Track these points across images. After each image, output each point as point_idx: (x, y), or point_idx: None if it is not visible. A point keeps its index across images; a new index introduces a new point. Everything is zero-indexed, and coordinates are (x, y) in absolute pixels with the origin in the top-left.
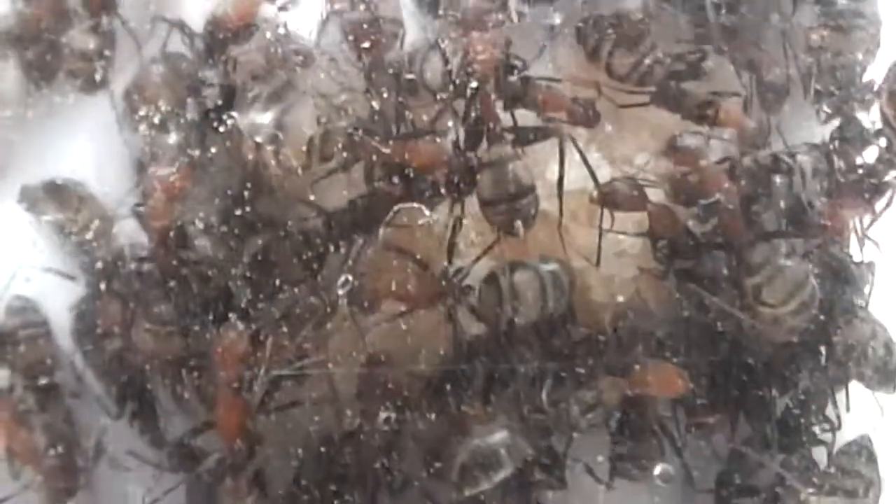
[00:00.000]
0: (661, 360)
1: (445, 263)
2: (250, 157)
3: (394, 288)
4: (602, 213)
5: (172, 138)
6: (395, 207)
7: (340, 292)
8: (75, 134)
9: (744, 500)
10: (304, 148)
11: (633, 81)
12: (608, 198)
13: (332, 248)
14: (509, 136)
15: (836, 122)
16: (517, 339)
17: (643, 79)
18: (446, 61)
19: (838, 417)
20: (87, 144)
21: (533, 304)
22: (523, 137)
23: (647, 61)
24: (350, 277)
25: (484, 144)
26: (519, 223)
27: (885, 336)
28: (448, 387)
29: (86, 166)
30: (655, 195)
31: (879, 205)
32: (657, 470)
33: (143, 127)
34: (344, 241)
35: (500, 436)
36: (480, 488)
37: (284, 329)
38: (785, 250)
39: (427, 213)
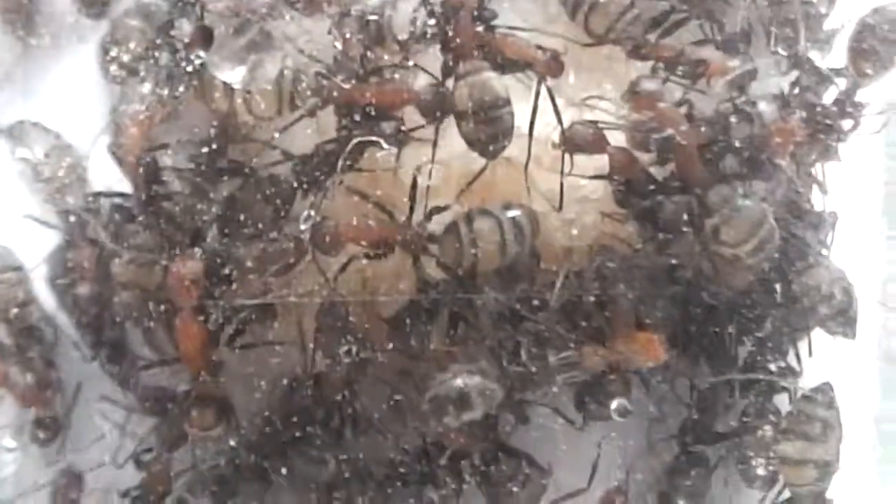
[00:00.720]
0: (639, 328)
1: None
2: (218, 97)
3: (356, 232)
4: (563, 157)
5: (144, 81)
6: (354, 140)
7: (303, 227)
8: (50, 77)
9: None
10: (272, 88)
11: (611, 40)
12: (569, 140)
13: (299, 192)
14: None
15: (794, 73)
16: (481, 284)
17: (620, 37)
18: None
19: (799, 363)
20: (62, 88)
21: (493, 251)
22: (497, 67)
23: (627, 18)
24: (312, 213)
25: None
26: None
27: (844, 282)
28: (410, 323)
29: (60, 110)
30: (616, 140)
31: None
32: (613, 405)
33: (114, 68)
34: (311, 185)
35: (475, 380)
36: (447, 424)
37: (251, 265)
38: (743, 191)
39: (386, 146)
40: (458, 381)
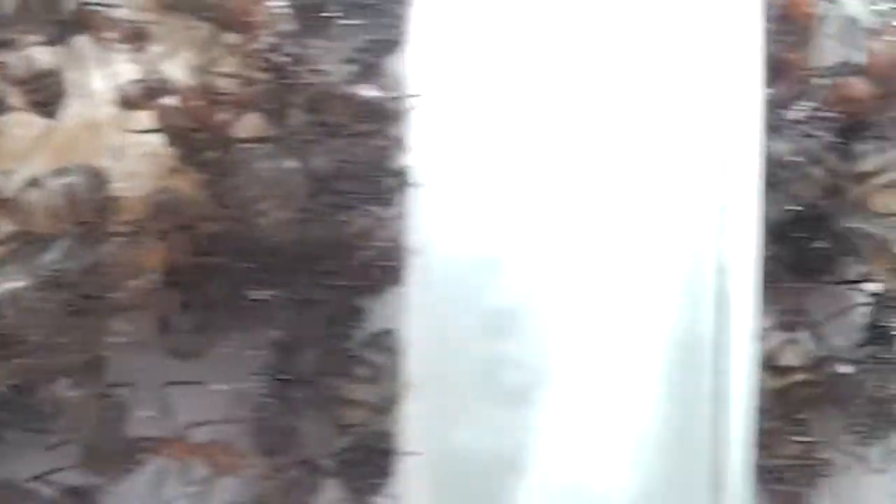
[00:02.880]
0: None
1: None
2: None
3: None
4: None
5: None
6: None
7: None
8: None
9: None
10: None
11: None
12: (123, 97)
13: None
14: None
15: None
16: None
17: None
18: None
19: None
20: None
21: (44, 217)
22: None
23: None
24: None
25: None
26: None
27: (387, 231)
28: None
29: None
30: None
31: None
32: None
33: None
34: None
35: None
36: None
37: None
38: (265, 151)
39: None
40: None
